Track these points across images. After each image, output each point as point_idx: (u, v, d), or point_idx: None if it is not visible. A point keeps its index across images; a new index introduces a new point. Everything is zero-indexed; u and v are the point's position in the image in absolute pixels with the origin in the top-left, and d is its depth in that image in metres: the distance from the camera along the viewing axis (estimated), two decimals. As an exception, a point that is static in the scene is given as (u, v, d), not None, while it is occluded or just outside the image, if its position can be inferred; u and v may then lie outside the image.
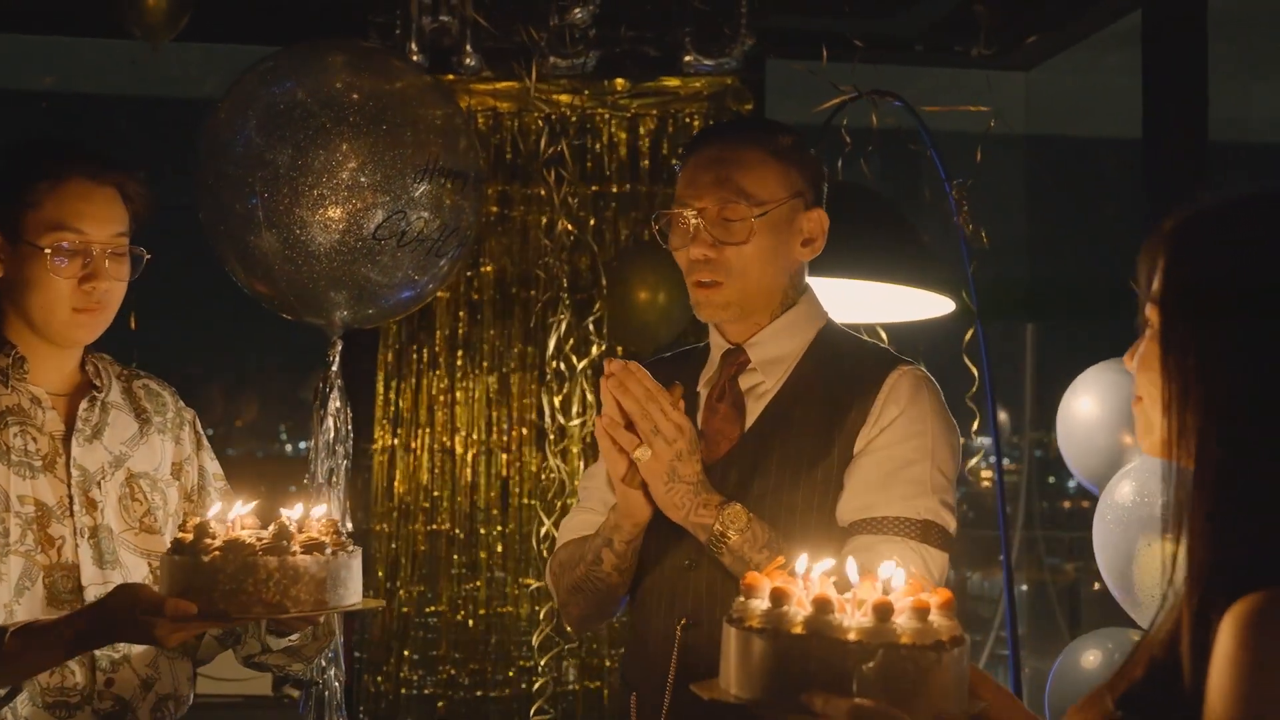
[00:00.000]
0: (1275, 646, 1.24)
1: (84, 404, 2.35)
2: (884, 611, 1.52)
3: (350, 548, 2.10)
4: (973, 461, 4.34)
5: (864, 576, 1.62)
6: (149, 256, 2.37)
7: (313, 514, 2.14)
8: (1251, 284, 1.37)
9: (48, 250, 2.25)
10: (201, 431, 2.53)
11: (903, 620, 1.52)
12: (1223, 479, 1.35)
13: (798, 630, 1.52)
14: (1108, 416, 3.43)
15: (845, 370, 2.25)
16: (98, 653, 2.24)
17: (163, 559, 2.08)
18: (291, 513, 2.12)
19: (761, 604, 1.57)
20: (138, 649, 2.27)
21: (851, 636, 1.50)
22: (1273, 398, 1.34)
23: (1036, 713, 1.65)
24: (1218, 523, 1.34)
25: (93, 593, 2.24)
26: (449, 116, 3.10)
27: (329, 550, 2.06)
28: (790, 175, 2.25)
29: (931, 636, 1.51)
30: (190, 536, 2.04)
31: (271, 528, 2.06)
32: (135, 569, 2.32)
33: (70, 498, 2.29)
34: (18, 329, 2.31)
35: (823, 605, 1.53)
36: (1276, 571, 1.29)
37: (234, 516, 2.10)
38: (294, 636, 2.33)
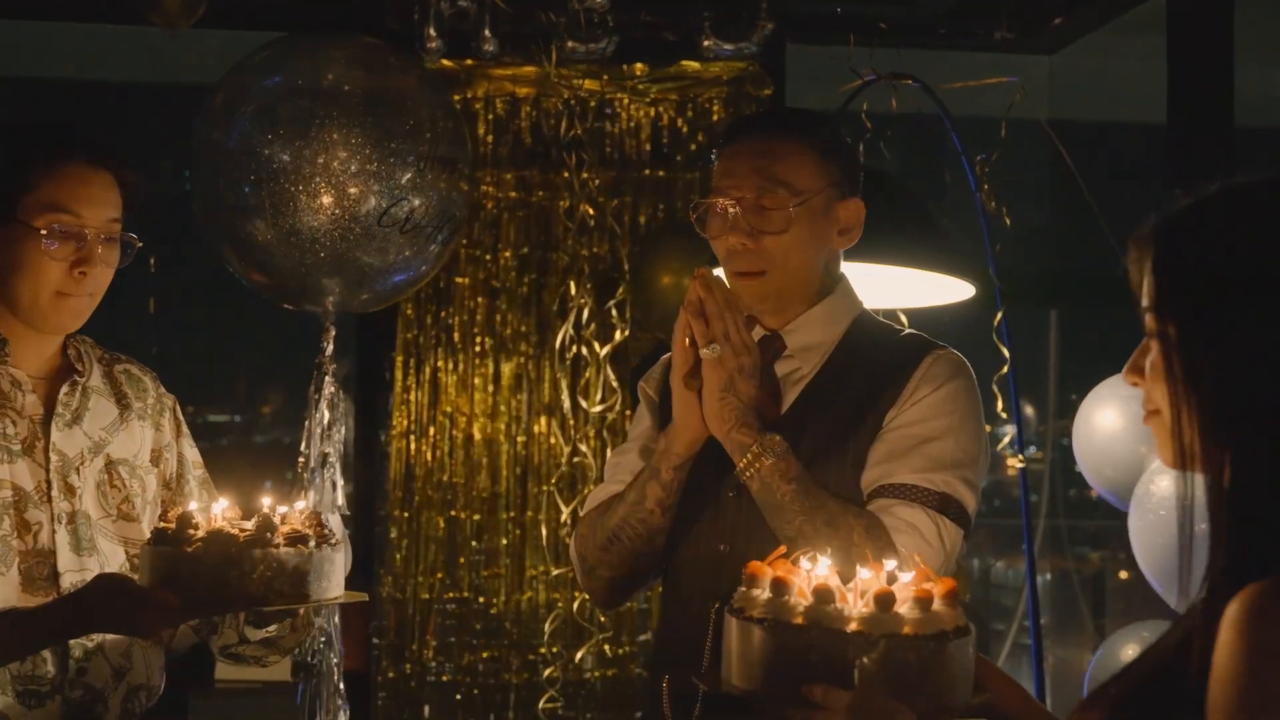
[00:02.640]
0: (1274, 635, 1.22)
1: (65, 388, 2.32)
2: (886, 601, 1.50)
3: (334, 540, 2.09)
4: (1003, 442, 4.29)
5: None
6: (140, 244, 2.35)
7: (295, 506, 2.13)
8: (1247, 274, 1.34)
9: (43, 231, 2.23)
10: (182, 418, 2.50)
11: (905, 610, 1.50)
12: (1245, 479, 1.32)
13: (798, 620, 1.50)
14: (1130, 428, 3.41)
15: (881, 355, 2.26)
16: (70, 641, 2.22)
17: (144, 549, 2.07)
18: (281, 506, 2.12)
19: (762, 593, 1.56)
20: (111, 638, 2.26)
21: (852, 627, 1.48)
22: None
23: (1063, 704, 1.62)
24: (1237, 522, 1.32)
25: (69, 579, 2.22)
26: (441, 105, 3.14)
27: (312, 543, 2.04)
28: (827, 165, 2.26)
29: (934, 626, 1.49)
30: (173, 526, 2.03)
31: (254, 520, 2.05)
32: (112, 556, 2.30)
33: (49, 483, 2.26)
34: (0, 311, 2.30)
35: (824, 595, 1.52)
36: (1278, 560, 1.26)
37: (216, 511, 2.09)
38: (272, 628, 2.32)
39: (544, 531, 4.47)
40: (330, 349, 3.14)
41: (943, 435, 2.17)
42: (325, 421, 3.12)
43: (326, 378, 3.14)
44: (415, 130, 3.01)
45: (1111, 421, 3.49)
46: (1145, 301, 1.41)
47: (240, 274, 3.09)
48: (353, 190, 2.92)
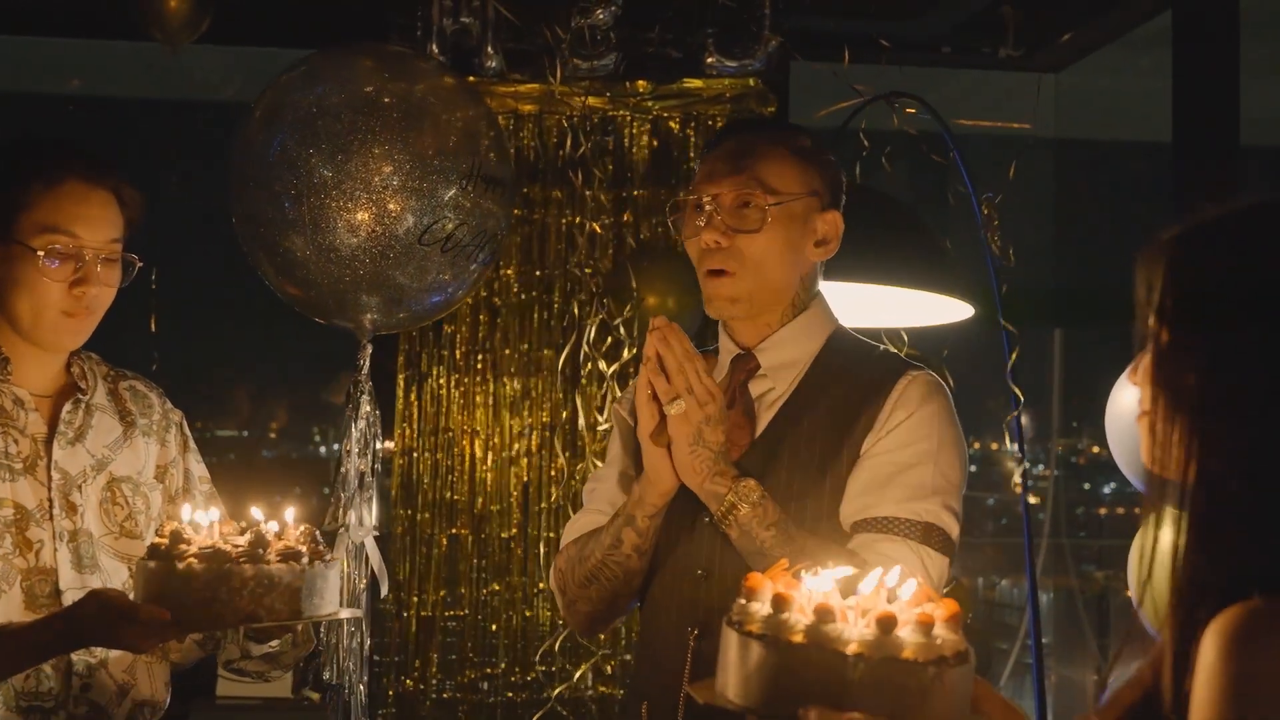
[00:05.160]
0: (1257, 659, 1.21)
1: (67, 406, 2.32)
2: (887, 624, 1.48)
3: (328, 557, 2.08)
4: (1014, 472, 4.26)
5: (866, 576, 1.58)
6: (140, 264, 2.34)
7: (286, 518, 2.12)
8: (1249, 293, 1.33)
9: (40, 252, 2.22)
10: (189, 434, 2.50)
11: (906, 633, 1.48)
12: (1216, 492, 1.31)
13: (797, 639, 1.47)
14: None
15: (856, 376, 2.23)
16: (74, 657, 2.22)
17: (138, 564, 2.07)
18: (260, 520, 2.11)
19: (762, 608, 1.53)
20: (115, 654, 2.25)
21: (852, 649, 1.45)
22: (1270, 406, 1.30)
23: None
24: (1207, 537, 1.31)
25: (71, 597, 2.22)
26: (487, 122, 3.10)
27: (305, 559, 2.03)
28: (808, 173, 2.24)
29: (935, 652, 1.46)
30: (166, 542, 2.03)
31: (248, 535, 2.04)
32: (115, 573, 2.30)
33: (50, 501, 2.26)
34: (2, 329, 2.29)
35: (824, 614, 1.49)
36: (1259, 583, 1.25)
37: (210, 523, 2.08)
38: (273, 643, 2.31)
39: (545, 549, 4.45)
40: (366, 367, 3.11)
41: (922, 462, 2.14)
42: (362, 440, 3.09)
43: (363, 396, 3.11)
44: (460, 146, 2.97)
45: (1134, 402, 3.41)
46: (1151, 303, 1.40)
47: (276, 288, 3.07)
48: (390, 207, 2.88)
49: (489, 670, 4.48)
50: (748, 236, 2.19)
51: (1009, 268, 3.65)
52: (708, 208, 2.20)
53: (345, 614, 2.24)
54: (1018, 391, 3.61)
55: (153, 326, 4.08)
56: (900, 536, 2.10)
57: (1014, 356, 3.62)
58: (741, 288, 2.21)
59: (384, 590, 3.14)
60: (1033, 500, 4.85)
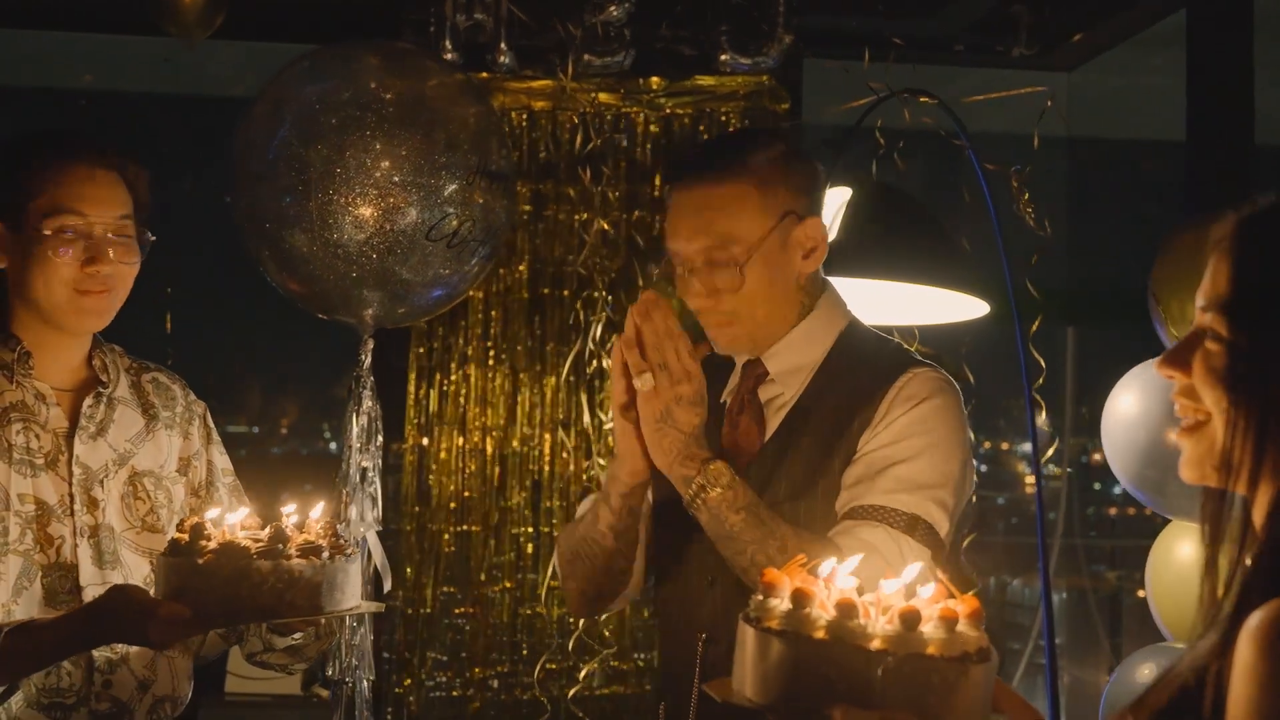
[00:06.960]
0: None
1: (89, 400, 2.31)
2: (911, 619, 1.46)
3: (349, 551, 2.08)
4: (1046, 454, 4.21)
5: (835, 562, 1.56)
6: (154, 239, 2.34)
7: (311, 515, 2.11)
8: None
9: (48, 232, 2.22)
10: (212, 425, 2.49)
11: (929, 629, 1.46)
12: None
13: (820, 635, 1.45)
14: (1150, 417, 3.24)
15: (859, 376, 2.20)
16: (95, 653, 2.21)
17: (158, 560, 2.07)
18: (290, 513, 2.10)
19: (781, 604, 1.51)
20: (136, 649, 2.25)
21: (875, 644, 1.43)
22: None
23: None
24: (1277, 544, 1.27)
25: (91, 593, 2.21)
26: (488, 118, 3.11)
27: (326, 554, 2.03)
28: (776, 197, 2.18)
29: (959, 647, 1.44)
30: (186, 538, 2.02)
31: (268, 530, 2.04)
32: (136, 569, 2.29)
33: (71, 496, 2.26)
34: (25, 321, 2.29)
35: (846, 610, 1.47)
36: None
37: (233, 520, 2.08)
38: (296, 636, 2.32)
39: (555, 546, 4.44)
40: (368, 361, 3.11)
41: (915, 456, 2.11)
42: (364, 435, 3.09)
43: (364, 391, 3.10)
44: (463, 142, 2.98)
45: (1131, 407, 3.29)
46: (1206, 300, 1.34)
47: (278, 284, 3.07)
48: (399, 203, 2.89)
49: (498, 668, 4.47)
50: (730, 293, 2.16)
51: (1022, 263, 3.63)
52: (683, 272, 2.18)
53: (367, 608, 2.24)
54: (1039, 358, 3.55)
55: (168, 327, 4.08)
56: (880, 523, 2.06)
57: (1036, 324, 3.57)
58: (740, 331, 2.20)
59: (386, 585, 3.14)
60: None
